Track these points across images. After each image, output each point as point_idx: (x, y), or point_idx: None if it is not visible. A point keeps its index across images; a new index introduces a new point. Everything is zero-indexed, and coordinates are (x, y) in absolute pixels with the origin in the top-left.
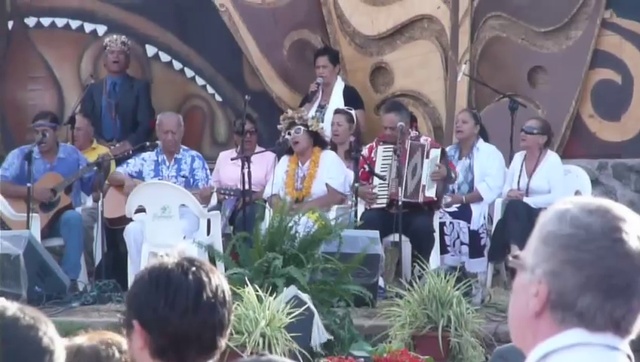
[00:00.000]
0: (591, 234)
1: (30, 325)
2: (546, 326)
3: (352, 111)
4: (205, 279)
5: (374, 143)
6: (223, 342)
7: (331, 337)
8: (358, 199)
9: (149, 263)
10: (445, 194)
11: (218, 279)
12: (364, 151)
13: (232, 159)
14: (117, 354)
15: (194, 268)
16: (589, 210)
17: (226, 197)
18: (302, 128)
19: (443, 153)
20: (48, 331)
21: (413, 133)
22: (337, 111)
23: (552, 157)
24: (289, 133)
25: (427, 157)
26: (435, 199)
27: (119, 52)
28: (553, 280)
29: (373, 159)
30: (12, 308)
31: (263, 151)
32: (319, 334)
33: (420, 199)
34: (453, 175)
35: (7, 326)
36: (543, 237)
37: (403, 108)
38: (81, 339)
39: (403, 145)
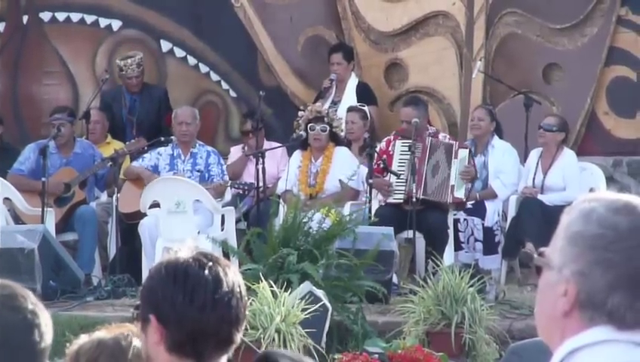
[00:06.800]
0: (618, 234)
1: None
2: (575, 324)
3: (365, 108)
4: (222, 274)
5: (392, 137)
6: (238, 337)
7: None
8: (374, 193)
9: (163, 258)
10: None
11: (234, 274)
12: (382, 145)
13: (246, 155)
14: (138, 343)
15: (210, 263)
16: (616, 209)
17: (241, 191)
18: (327, 127)
19: (470, 153)
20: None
21: (431, 129)
22: (351, 109)
23: (568, 154)
24: (311, 128)
25: (455, 157)
26: (465, 200)
27: (136, 76)
28: (582, 280)
29: (391, 153)
30: None
31: (277, 148)
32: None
33: (449, 199)
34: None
35: None
36: (570, 238)
37: (421, 103)
38: (101, 333)
39: (423, 143)
